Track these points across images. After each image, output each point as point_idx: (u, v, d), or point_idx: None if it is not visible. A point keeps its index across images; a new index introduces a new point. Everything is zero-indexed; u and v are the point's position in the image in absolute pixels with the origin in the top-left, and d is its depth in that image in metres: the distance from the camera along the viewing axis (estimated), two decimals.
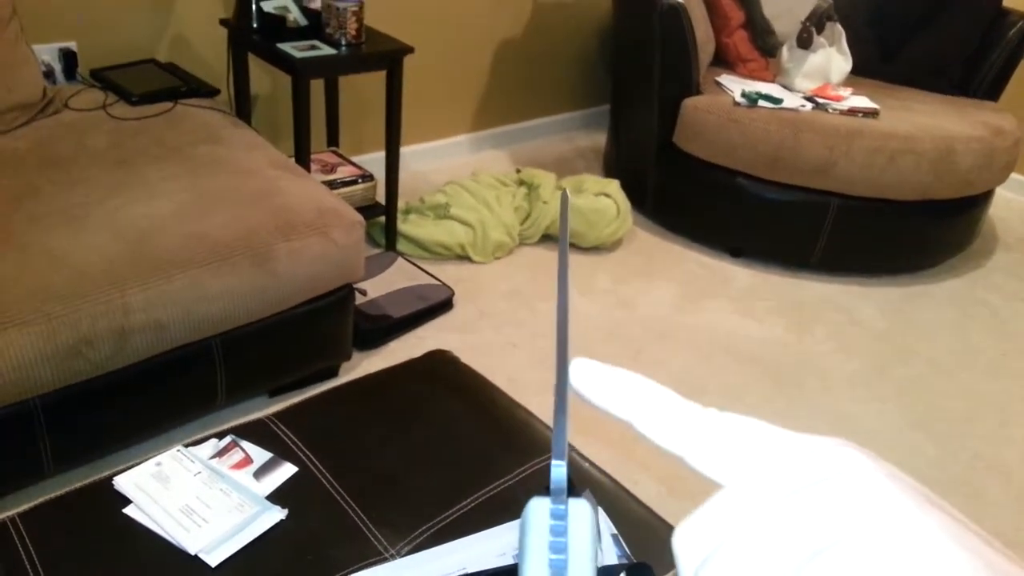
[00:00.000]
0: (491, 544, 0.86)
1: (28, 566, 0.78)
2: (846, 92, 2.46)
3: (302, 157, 1.87)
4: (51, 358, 1.19)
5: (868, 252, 2.43)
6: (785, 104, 2.33)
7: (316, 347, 1.59)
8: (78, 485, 0.89)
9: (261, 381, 1.56)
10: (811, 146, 2.23)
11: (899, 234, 2.41)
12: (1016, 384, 2.11)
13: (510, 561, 0.82)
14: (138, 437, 1.44)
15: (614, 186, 2.43)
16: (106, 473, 0.91)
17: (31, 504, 0.87)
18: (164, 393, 1.39)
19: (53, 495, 0.88)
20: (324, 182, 1.95)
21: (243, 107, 2.12)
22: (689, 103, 2.38)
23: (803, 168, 2.26)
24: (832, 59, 2.47)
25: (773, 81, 2.53)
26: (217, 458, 0.94)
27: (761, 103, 2.33)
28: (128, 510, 0.86)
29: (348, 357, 1.69)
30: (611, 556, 0.84)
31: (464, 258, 2.28)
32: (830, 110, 2.35)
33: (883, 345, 2.19)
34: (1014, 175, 2.60)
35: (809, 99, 2.41)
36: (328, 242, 1.45)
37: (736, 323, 2.20)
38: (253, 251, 1.36)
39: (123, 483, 0.89)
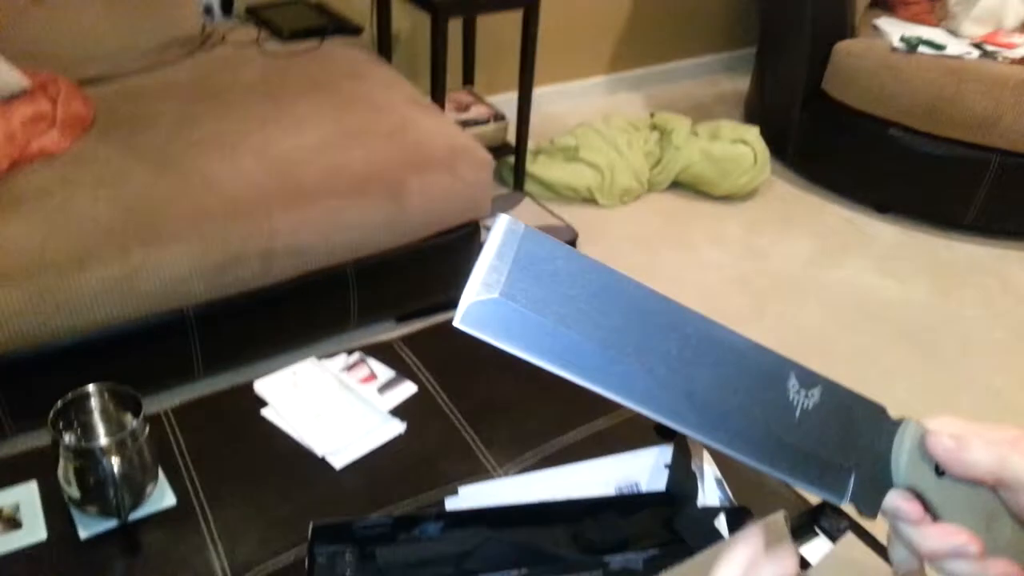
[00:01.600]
0: (594, 475, 0.88)
1: (177, 453, 0.88)
2: (1021, 39, 2.23)
3: (437, 95, 1.91)
4: (204, 273, 1.30)
5: None
6: (948, 51, 2.15)
7: (443, 279, 1.66)
8: (223, 388, 0.99)
9: (390, 307, 1.64)
10: (975, 97, 2.05)
11: None
12: None
13: (612, 492, 0.84)
14: (278, 349, 1.56)
15: (753, 133, 2.34)
16: (248, 379, 1.00)
17: (183, 401, 0.97)
18: (303, 312, 1.49)
19: (201, 395, 0.98)
20: (457, 121, 2.00)
21: (384, 45, 2.19)
22: (842, 47, 2.24)
23: (964, 121, 2.09)
24: (1007, 1, 2.24)
25: (937, 25, 2.34)
26: (347, 372, 1.01)
27: (922, 49, 2.16)
28: (265, 412, 0.94)
29: None
30: (713, 499, 0.85)
31: (591, 201, 2.28)
32: (1000, 58, 2.14)
33: None
34: None
35: (977, 46, 2.21)
36: (456, 179, 1.50)
37: (875, 281, 2.09)
38: (387, 184, 1.43)
39: (262, 387, 0.98)
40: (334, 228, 1.38)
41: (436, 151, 1.50)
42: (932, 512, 0.41)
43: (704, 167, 2.29)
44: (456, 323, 0.35)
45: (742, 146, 2.29)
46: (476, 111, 2.13)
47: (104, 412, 0.83)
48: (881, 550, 0.77)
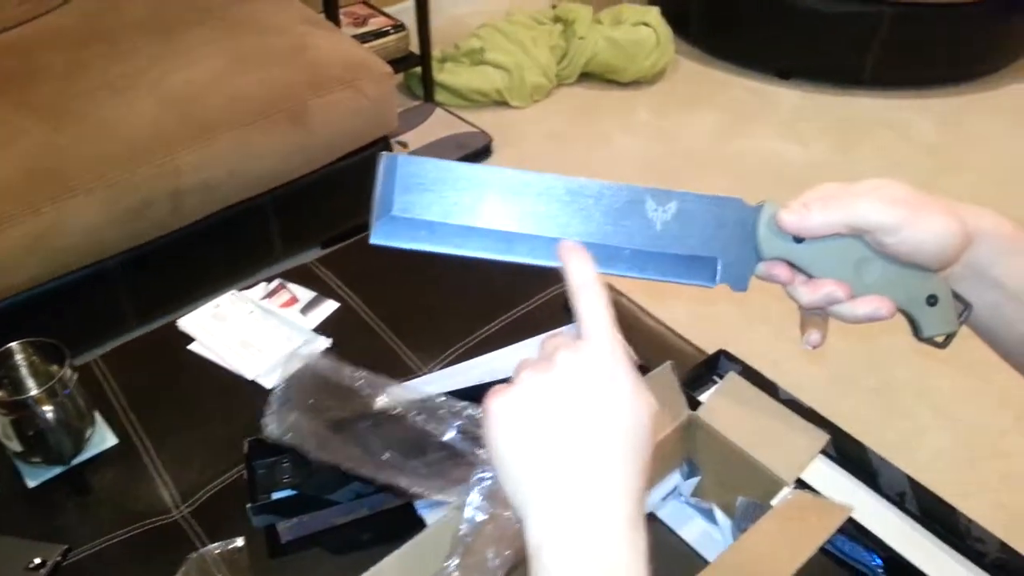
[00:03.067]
0: (509, 359, 0.95)
1: (112, 397, 0.92)
2: None
3: (331, 11, 1.88)
4: (116, 221, 1.30)
5: (922, 62, 2.31)
6: None
7: (362, 198, 1.67)
8: (147, 330, 1.02)
9: (313, 234, 1.67)
10: None
11: (955, 40, 2.28)
12: None
13: None
14: (209, 289, 1.55)
15: (653, 14, 2.35)
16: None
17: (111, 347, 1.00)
18: (226, 248, 1.51)
19: (127, 340, 1.02)
20: (355, 35, 1.97)
21: None
22: None
23: None
24: None
25: None
26: (267, 299, 1.05)
27: None
28: (192, 347, 0.98)
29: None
30: None
31: (502, 103, 2.28)
32: None
33: (932, 159, 2.13)
34: None
35: None
36: (359, 95, 1.50)
37: (780, 147, 2.17)
38: (288, 108, 1.42)
39: (186, 324, 1.01)
40: (240, 159, 1.38)
41: (334, 69, 1.49)
42: (803, 271, 0.49)
43: (609, 54, 2.30)
44: (371, 241, 0.47)
45: (644, 28, 2.30)
46: (374, 23, 2.10)
47: (31, 366, 0.85)
48: (766, 385, 0.85)
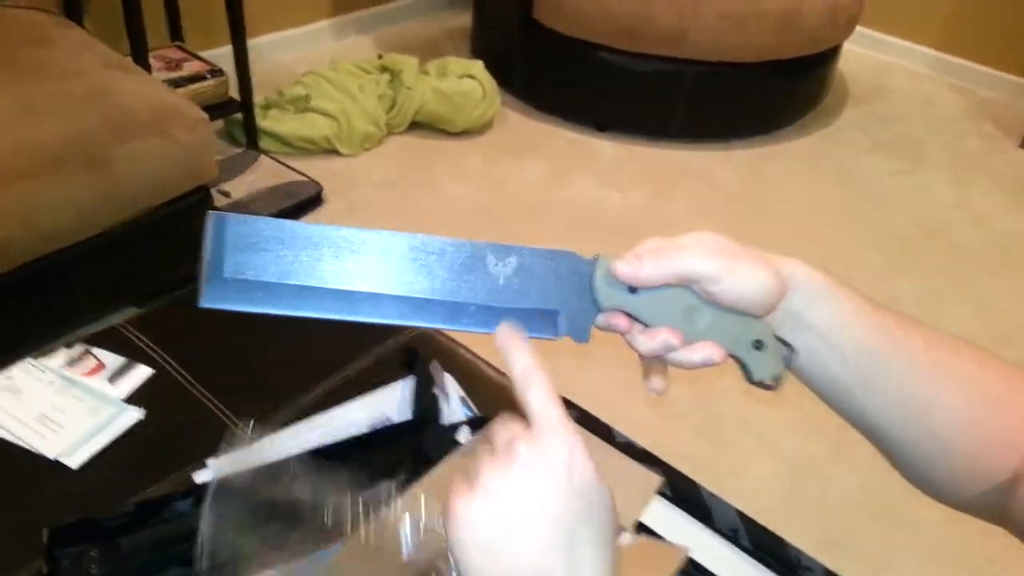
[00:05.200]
0: (346, 419, 0.91)
1: None
2: None
3: (139, 54, 1.77)
4: None
5: (724, 116, 2.53)
6: None
7: (178, 253, 1.57)
8: None
9: (125, 292, 1.54)
10: (663, 14, 2.27)
11: (752, 96, 2.52)
12: (857, 230, 2.29)
13: (365, 430, 0.88)
14: (8, 358, 1.41)
15: (478, 67, 2.41)
16: None
17: None
18: (24, 312, 1.35)
19: None
20: (168, 80, 1.87)
21: (73, 7, 1.97)
22: None
23: (657, 37, 2.30)
24: None
25: None
26: (69, 367, 0.94)
27: None
28: None
29: None
30: (458, 415, 0.91)
31: (332, 151, 2.24)
32: None
33: (736, 205, 2.32)
34: (860, 28, 2.71)
35: None
36: (170, 142, 1.41)
37: (601, 195, 2.28)
38: (88, 156, 1.31)
39: None
40: (35, 213, 1.25)
41: (140, 114, 1.40)
42: (639, 319, 0.50)
43: (437, 104, 2.33)
44: (201, 304, 0.44)
45: (469, 81, 2.35)
46: (189, 68, 2.00)
47: None
48: (601, 429, 0.87)
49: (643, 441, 0.87)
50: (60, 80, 1.44)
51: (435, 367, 0.95)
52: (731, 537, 0.82)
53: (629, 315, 0.50)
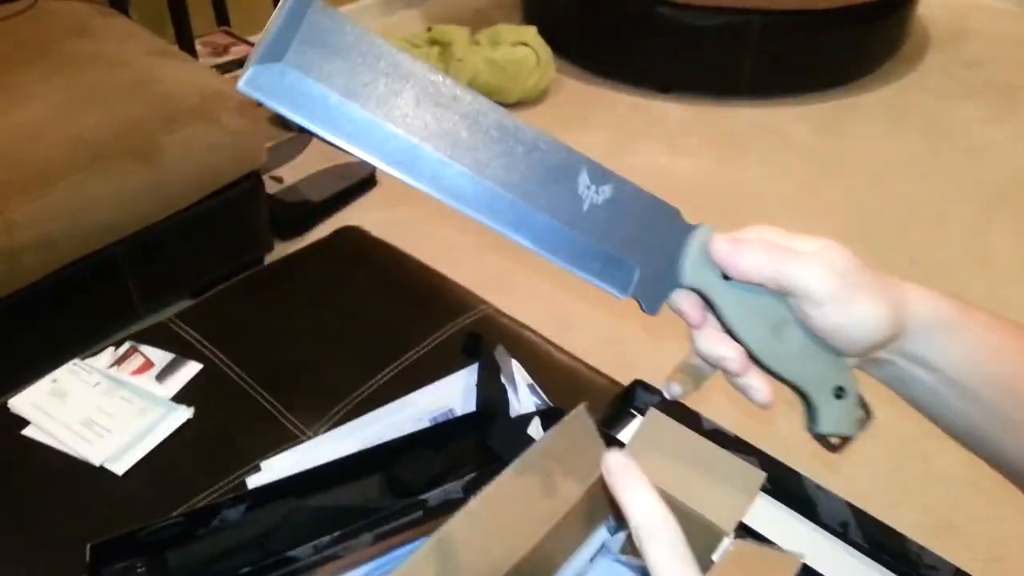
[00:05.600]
0: (406, 412, 0.84)
1: None
2: None
3: (184, 40, 1.73)
4: None
5: (796, 69, 2.36)
6: None
7: (231, 242, 1.53)
8: None
9: (179, 284, 1.50)
10: None
11: (825, 46, 2.34)
12: (949, 184, 2.11)
13: (427, 424, 0.81)
14: (56, 361, 1.39)
15: (531, 33, 2.30)
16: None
17: None
18: (75, 310, 1.33)
19: None
20: (215, 66, 1.82)
21: None
22: None
23: None
24: None
25: None
26: (116, 366, 0.90)
27: None
28: (27, 431, 0.83)
29: (269, 248, 1.63)
30: (528, 405, 0.83)
31: None
32: None
33: (814, 163, 2.17)
34: None
35: None
36: (218, 127, 1.36)
37: (669, 161, 2.16)
38: (135, 147, 1.27)
39: (19, 404, 0.85)
40: (82, 208, 1.22)
41: (186, 101, 1.35)
42: (719, 314, 0.42)
43: (490, 75, 2.24)
44: (240, 86, 0.35)
45: (523, 48, 2.25)
46: (236, 52, 1.96)
47: None
48: (687, 417, 0.78)
49: (732, 428, 0.78)
50: (104, 70, 1.41)
51: (500, 352, 0.87)
52: (841, 533, 0.73)
53: (708, 303, 0.42)
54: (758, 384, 0.43)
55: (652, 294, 0.42)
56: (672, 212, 0.42)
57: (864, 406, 0.44)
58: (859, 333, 0.41)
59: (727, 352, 0.42)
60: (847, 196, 2.06)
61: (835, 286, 0.39)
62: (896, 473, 1.40)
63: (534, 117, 2.31)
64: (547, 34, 2.33)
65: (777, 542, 0.68)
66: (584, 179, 0.40)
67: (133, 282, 1.36)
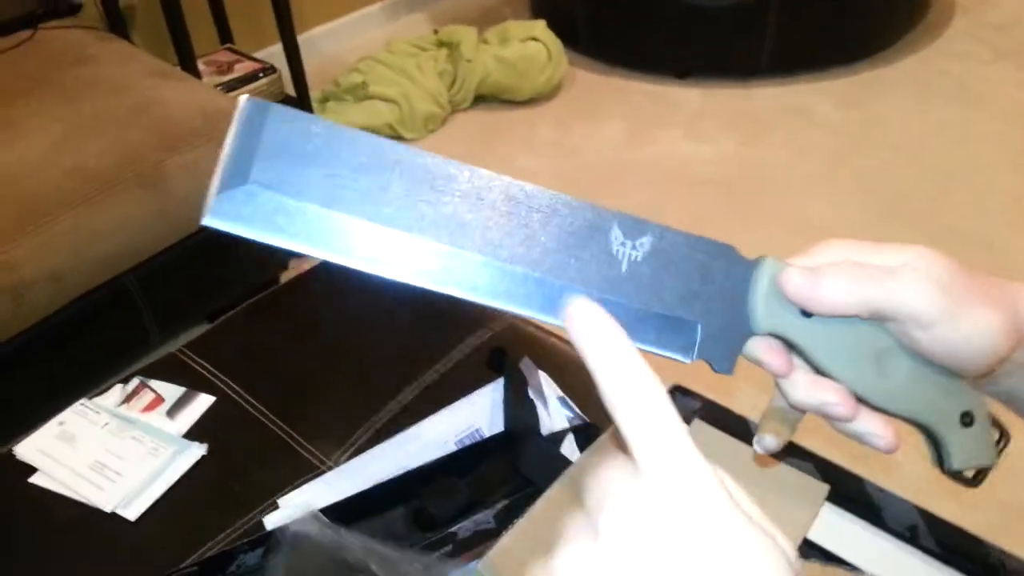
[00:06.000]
0: (431, 434, 0.79)
1: None
2: None
3: (186, 60, 1.70)
4: None
5: (817, 44, 2.28)
6: None
7: (244, 263, 1.49)
8: None
9: (195, 310, 1.47)
10: None
11: (847, 18, 2.26)
12: (985, 150, 2.02)
13: (453, 448, 0.75)
14: (78, 392, 1.36)
15: (540, 27, 2.24)
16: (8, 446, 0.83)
17: None
18: (89, 345, 1.30)
19: None
20: (220, 84, 1.79)
21: (116, 19, 1.91)
22: None
23: None
24: None
25: None
26: (125, 404, 0.86)
27: None
28: (35, 479, 0.79)
29: (285, 266, 1.59)
30: (561, 421, 0.77)
31: (396, 138, 2.13)
32: None
33: (842, 141, 2.09)
34: None
35: None
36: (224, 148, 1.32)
37: (688, 148, 2.09)
38: (140, 173, 1.24)
39: (25, 451, 0.81)
40: (88, 240, 1.18)
41: (189, 121, 1.31)
42: (807, 356, 0.36)
43: (501, 74, 2.18)
44: (204, 221, 0.31)
45: (533, 44, 2.19)
46: (241, 69, 1.92)
47: None
48: (733, 424, 0.72)
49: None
50: (104, 97, 1.37)
51: (527, 365, 0.81)
52: (909, 538, 0.66)
53: (790, 345, 0.36)
54: (875, 427, 0.36)
55: (722, 351, 0.36)
56: (726, 250, 0.36)
57: (998, 425, 0.38)
58: (977, 350, 0.34)
59: (828, 397, 0.35)
60: (878, 171, 1.97)
61: (941, 302, 0.33)
62: None
63: (548, 112, 2.26)
64: (557, 27, 2.27)
65: (840, 554, 0.62)
66: (617, 235, 0.34)
67: (147, 311, 1.32)
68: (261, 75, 1.94)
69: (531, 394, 0.78)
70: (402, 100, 2.09)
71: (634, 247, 0.34)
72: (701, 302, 0.35)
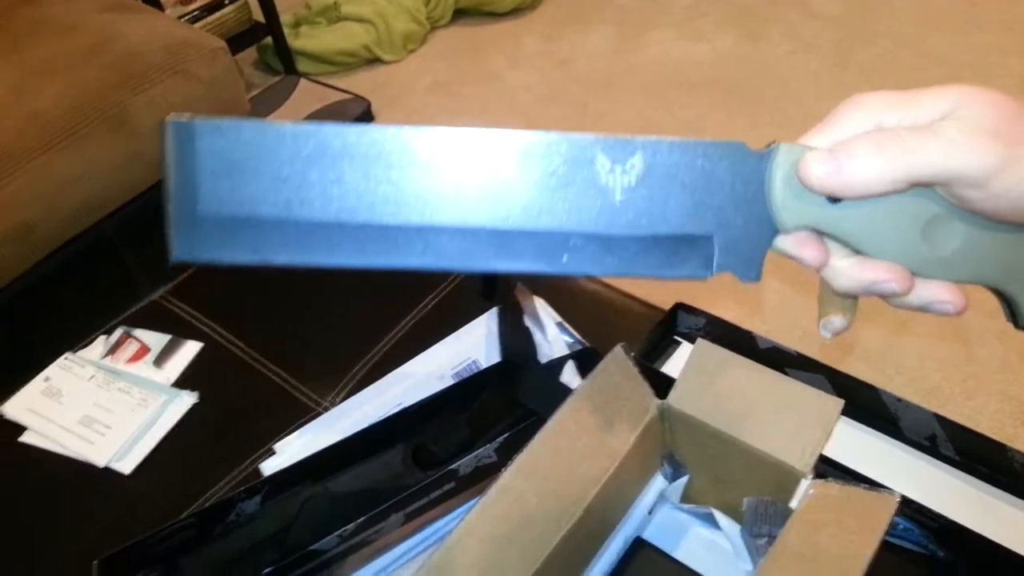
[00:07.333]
0: (426, 369, 0.76)
1: None
2: None
3: None
4: None
5: None
6: None
7: None
8: None
9: None
10: None
11: None
12: (990, 35, 1.93)
13: (450, 382, 0.72)
14: (65, 348, 1.34)
15: None
16: None
17: None
18: (72, 298, 1.26)
19: None
20: (184, 16, 1.70)
21: None
22: None
23: None
24: None
25: None
26: (110, 356, 0.83)
27: None
28: (24, 438, 0.76)
29: None
30: (560, 347, 0.74)
31: (374, 60, 2.04)
32: None
33: (843, 32, 1.99)
34: None
35: None
36: (189, 80, 1.25)
37: (683, 48, 2.00)
38: (103, 114, 1.17)
39: (12, 410, 0.79)
40: (56, 188, 1.13)
41: (151, 56, 1.24)
42: (844, 242, 0.32)
43: None
44: (173, 261, 0.31)
45: None
46: None
47: None
48: (739, 338, 0.69)
49: (787, 342, 0.68)
50: (58, 37, 1.29)
51: (521, 291, 0.77)
52: (929, 447, 0.64)
53: (823, 234, 0.32)
54: (937, 295, 0.32)
55: (745, 259, 0.32)
56: (734, 148, 0.32)
57: None
58: None
59: (878, 275, 0.31)
60: (883, 63, 1.89)
61: (995, 151, 0.28)
62: (968, 364, 1.30)
63: (533, 23, 2.16)
64: None
65: (858, 468, 0.59)
66: (603, 163, 0.31)
67: (131, 259, 1.28)
68: (227, 2, 1.84)
69: (527, 321, 0.75)
70: (377, 19, 1.99)
71: (624, 171, 0.31)
72: (711, 212, 0.32)
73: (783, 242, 0.32)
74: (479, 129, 0.31)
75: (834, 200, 0.31)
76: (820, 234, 0.32)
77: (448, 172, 0.31)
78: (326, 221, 0.31)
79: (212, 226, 0.31)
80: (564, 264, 0.32)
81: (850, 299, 0.35)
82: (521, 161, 0.31)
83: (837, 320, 0.35)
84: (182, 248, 0.31)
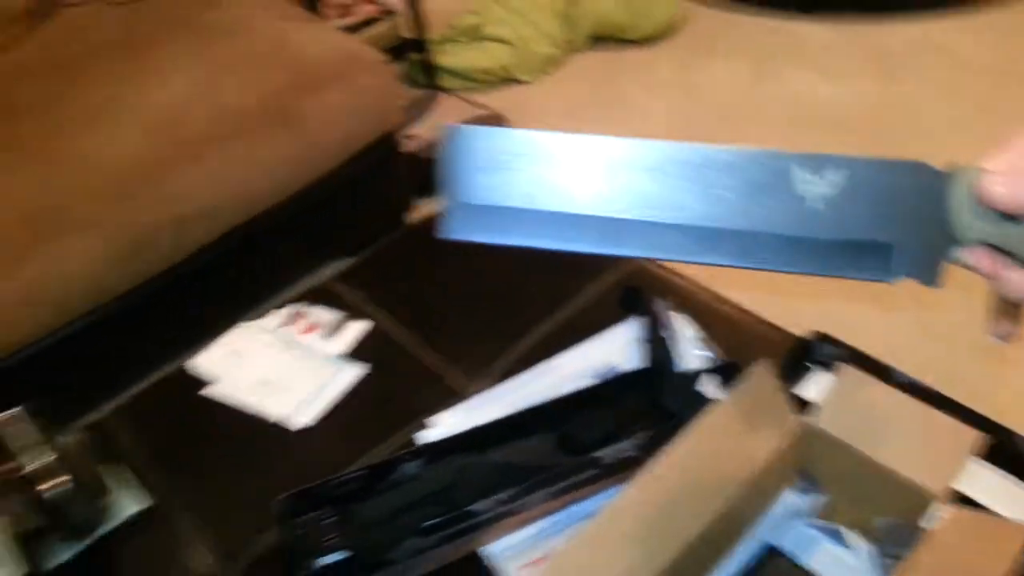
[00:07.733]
0: (569, 367, 0.82)
1: (131, 456, 0.81)
2: None
3: (311, 3, 1.75)
4: (116, 263, 1.19)
5: None
6: None
7: (371, 203, 1.55)
8: (156, 377, 0.91)
9: (336, 243, 1.54)
10: None
11: None
12: None
13: (590, 381, 0.79)
14: (223, 325, 1.47)
15: None
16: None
17: (119, 404, 0.89)
18: (238, 276, 1.39)
19: (136, 391, 0.90)
20: (341, 27, 1.84)
21: None
22: None
23: None
24: None
25: None
26: (285, 327, 0.93)
27: None
28: (208, 391, 0.87)
29: (409, 207, 1.64)
30: (694, 360, 0.79)
31: (512, 80, 2.14)
32: None
33: (989, 80, 1.95)
34: None
35: None
36: (355, 89, 1.37)
37: (817, 87, 2.01)
38: (279, 113, 1.30)
39: (199, 367, 0.90)
40: (238, 175, 1.26)
41: (322, 64, 1.37)
42: (1018, 257, 0.36)
43: (618, 13, 2.14)
44: (442, 235, 0.39)
45: None
46: (361, 12, 1.96)
47: (32, 435, 0.74)
48: (877, 370, 0.72)
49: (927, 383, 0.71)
50: (239, 38, 1.44)
51: (659, 305, 0.83)
52: None
53: (997, 248, 0.36)
54: None
55: (925, 267, 0.37)
56: (915, 167, 0.37)
57: None
58: None
59: None
60: None
61: None
62: None
63: (667, 51, 2.21)
64: None
65: (989, 506, 0.62)
66: (797, 174, 0.37)
67: (291, 245, 1.41)
68: (381, 18, 1.97)
69: (663, 333, 0.80)
70: (517, 41, 2.08)
71: (816, 182, 0.37)
72: (894, 223, 0.36)
73: (961, 254, 0.36)
74: (696, 145, 0.37)
75: (1010, 217, 0.35)
76: (995, 248, 0.36)
77: (665, 177, 0.38)
78: (566, 213, 0.38)
79: (473, 212, 0.39)
80: (760, 261, 0.37)
81: (1018, 308, 0.39)
82: (726, 171, 0.37)
83: (1006, 326, 0.39)
84: (450, 228, 0.39)
